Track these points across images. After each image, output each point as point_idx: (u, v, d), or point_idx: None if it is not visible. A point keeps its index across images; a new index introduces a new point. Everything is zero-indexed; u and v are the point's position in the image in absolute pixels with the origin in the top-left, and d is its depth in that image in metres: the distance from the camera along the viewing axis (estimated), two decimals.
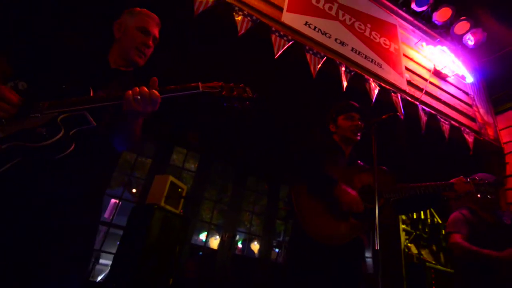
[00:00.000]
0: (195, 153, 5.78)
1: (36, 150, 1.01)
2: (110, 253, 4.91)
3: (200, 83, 1.19)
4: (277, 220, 6.50)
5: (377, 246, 1.51)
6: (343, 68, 2.94)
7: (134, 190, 7.79)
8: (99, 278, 7.82)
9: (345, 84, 2.86)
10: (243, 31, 2.46)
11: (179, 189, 4.21)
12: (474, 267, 2.28)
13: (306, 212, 1.82)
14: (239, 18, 2.50)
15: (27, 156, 1.02)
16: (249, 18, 2.56)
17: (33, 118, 1.06)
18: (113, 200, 8.86)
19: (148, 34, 1.42)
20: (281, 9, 2.86)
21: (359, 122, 2.07)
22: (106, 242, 5.18)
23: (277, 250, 7.39)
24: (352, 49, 3.20)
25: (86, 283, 3.75)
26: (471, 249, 2.23)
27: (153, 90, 1.12)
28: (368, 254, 2.13)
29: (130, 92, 1.09)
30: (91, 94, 1.15)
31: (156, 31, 1.46)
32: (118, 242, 3.82)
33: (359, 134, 2.08)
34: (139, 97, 1.09)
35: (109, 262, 4.11)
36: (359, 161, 2.15)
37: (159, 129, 4.99)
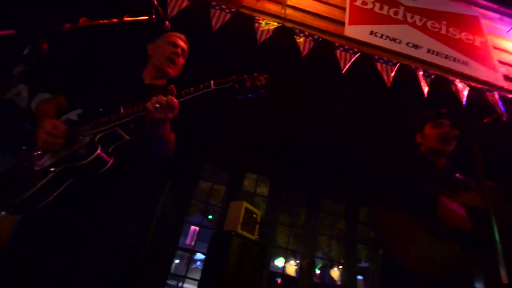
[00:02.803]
0: (265, 177, 5.82)
1: (80, 168, 1.12)
2: (194, 279, 5.12)
3: (212, 81, 1.19)
4: (358, 244, 5.97)
5: (505, 279, 1.20)
6: (421, 73, 2.66)
7: (210, 217, 8.17)
8: None
9: (425, 89, 2.56)
10: (306, 51, 2.44)
11: (254, 215, 4.22)
12: None
13: (396, 237, 1.57)
14: (301, 40, 2.51)
15: (76, 176, 1.16)
16: (310, 38, 2.54)
17: (78, 141, 1.21)
18: (192, 227, 9.45)
19: (176, 46, 1.62)
20: (342, 24, 2.77)
21: (449, 129, 1.78)
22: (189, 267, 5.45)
23: (360, 277, 6.73)
24: (428, 50, 2.89)
25: None
26: None
27: (170, 96, 1.17)
28: (479, 286, 1.73)
29: (149, 103, 1.17)
30: (122, 111, 1.25)
31: (183, 45, 1.66)
32: (196, 266, 3.94)
33: (451, 143, 1.78)
34: (157, 105, 1.15)
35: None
36: (457, 175, 1.82)
37: (230, 157, 5.19)
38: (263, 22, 2.50)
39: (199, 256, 4.86)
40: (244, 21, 2.49)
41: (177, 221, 4.75)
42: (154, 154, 1.42)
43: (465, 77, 2.81)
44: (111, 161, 1.17)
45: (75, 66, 3.67)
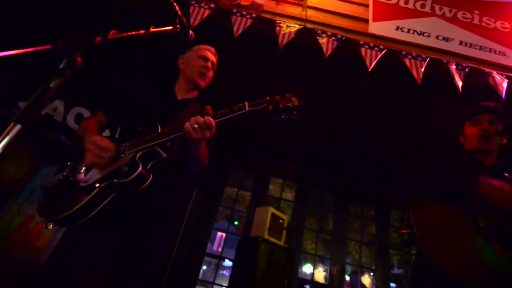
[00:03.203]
0: (291, 182, 5.74)
1: (124, 185, 1.19)
2: (221, 285, 5.12)
3: (246, 102, 1.22)
4: (390, 249, 5.71)
5: None
6: (453, 66, 2.51)
7: (236, 223, 8.18)
8: None
9: (459, 83, 2.41)
10: (329, 52, 2.39)
11: (280, 220, 4.16)
12: None
13: (434, 238, 1.42)
14: (324, 40, 2.46)
15: (120, 191, 1.22)
16: (333, 38, 2.49)
17: (121, 159, 1.27)
18: (219, 233, 9.51)
19: (207, 60, 1.68)
20: (366, 21, 2.70)
21: (487, 125, 1.63)
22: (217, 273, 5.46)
23: (393, 285, 6.42)
24: (461, 42, 2.73)
25: None
26: None
27: (207, 117, 1.20)
28: None
29: (188, 123, 1.20)
30: (159, 130, 1.32)
31: (213, 59, 1.72)
32: (223, 273, 3.94)
33: (493, 139, 1.62)
34: (196, 125, 1.19)
35: None
36: (506, 174, 1.66)
37: (255, 162, 5.18)
38: (284, 25, 2.49)
39: (228, 263, 4.86)
40: (266, 26, 2.48)
41: (204, 227, 4.79)
42: (190, 170, 1.47)
43: (503, 68, 2.63)
44: (150, 178, 1.23)
45: (109, 81, 3.85)
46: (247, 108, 1.21)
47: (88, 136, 1.33)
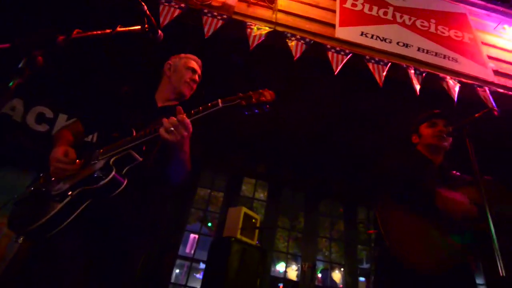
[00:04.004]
0: (263, 181, 5.81)
1: (97, 190, 1.17)
2: None
3: (219, 99, 1.23)
4: (358, 245, 5.97)
5: (502, 272, 1.22)
6: (412, 71, 2.70)
7: (209, 224, 8.11)
8: None
9: (417, 87, 2.60)
10: (298, 55, 2.47)
11: (253, 220, 4.20)
12: None
13: (397, 234, 1.57)
14: (293, 43, 2.53)
15: (94, 197, 1.20)
16: (302, 41, 2.57)
17: (94, 165, 1.26)
18: (192, 235, 9.36)
19: (195, 72, 1.70)
20: (333, 26, 2.81)
21: (444, 128, 1.82)
22: (189, 276, 5.38)
23: (362, 279, 6.71)
24: (419, 49, 2.94)
25: None
26: None
27: (180, 115, 1.19)
28: (479, 281, 1.73)
29: (162, 128, 1.18)
30: (134, 134, 1.29)
31: (199, 71, 1.74)
32: (199, 276, 3.92)
33: (446, 139, 1.82)
34: (172, 128, 1.17)
35: None
36: (454, 172, 1.85)
37: (227, 163, 5.19)
38: (255, 27, 2.53)
39: (203, 266, 4.82)
40: (236, 27, 2.51)
41: (176, 229, 4.72)
42: (173, 177, 1.44)
43: (456, 74, 2.86)
44: (125, 182, 1.21)
45: (78, 83, 3.67)
46: (220, 105, 1.22)
47: (54, 147, 1.29)
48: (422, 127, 1.93)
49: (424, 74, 2.71)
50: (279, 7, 2.74)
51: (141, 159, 1.27)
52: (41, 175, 1.37)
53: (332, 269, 7.73)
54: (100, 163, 1.24)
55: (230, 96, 1.25)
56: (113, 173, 1.17)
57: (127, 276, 1.31)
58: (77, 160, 1.29)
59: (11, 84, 0.68)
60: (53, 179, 1.28)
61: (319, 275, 9.91)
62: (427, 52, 2.96)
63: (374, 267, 6.11)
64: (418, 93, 2.56)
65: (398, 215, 1.62)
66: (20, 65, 0.71)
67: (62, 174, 1.24)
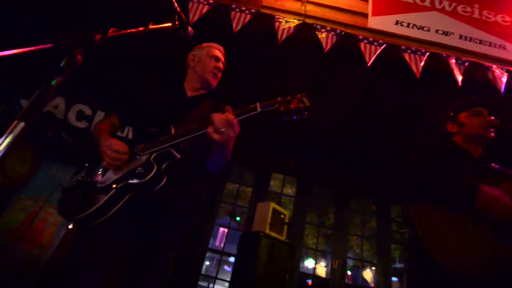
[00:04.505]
0: (291, 177, 5.77)
1: (140, 186, 1.22)
2: (224, 280, 5.17)
3: (258, 103, 1.22)
4: (391, 244, 5.74)
5: None
6: (453, 60, 2.51)
7: (238, 218, 8.24)
8: None
9: (459, 78, 2.41)
10: (329, 47, 2.39)
11: (282, 215, 4.19)
12: None
13: (436, 235, 1.46)
14: (323, 35, 2.46)
15: (135, 191, 1.25)
16: (332, 33, 2.48)
17: (136, 160, 1.29)
18: (221, 229, 9.57)
19: (219, 60, 1.70)
20: (365, 15, 2.69)
21: (491, 117, 1.67)
22: (219, 268, 5.51)
23: (395, 279, 6.46)
24: (461, 36, 2.72)
25: None
26: None
27: (231, 117, 1.19)
28: None
29: (211, 128, 1.19)
30: (172, 131, 1.33)
31: (223, 58, 1.74)
32: (228, 268, 3.99)
33: (492, 130, 1.67)
34: (223, 129, 1.17)
35: None
36: (493, 165, 1.69)
37: (255, 158, 5.20)
38: (283, 21, 2.49)
39: (232, 259, 4.91)
40: (265, 21, 2.48)
41: (206, 223, 4.83)
42: (211, 168, 1.48)
43: (503, 62, 2.62)
44: (165, 179, 1.25)
45: (114, 80, 3.86)
46: (258, 109, 1.21)
47: (103, 139, 1.35)
48: (462, 116, 1.76)
49: (467, 64, 2.51)
50: None
51: (179, 156, 1.29)
52: (86, 165, 1.44)
53: (363, 267, 7.53)
54: (142, 159, 1.28)
55: (268, 98, 1.24)
56: (155, 169, 1.21)
57: (161, 267, 1.36)
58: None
59: (53, 82, 0.72)
60: (99, 172, 1.35)
61: (349, 273, 9.69)
62: (470, 39, 2.74)
63: (407, 267, 5.86)
64: (460, 84, 2.38)
65: (436, 213, 1.51)
66: (61, 64, 0.75)
67: (117, 164, 1.29)
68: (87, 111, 4.22)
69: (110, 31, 0.93)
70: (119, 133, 1.73)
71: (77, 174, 1.44)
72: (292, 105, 1.20)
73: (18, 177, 3.85)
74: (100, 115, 4.22)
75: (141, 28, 1.09)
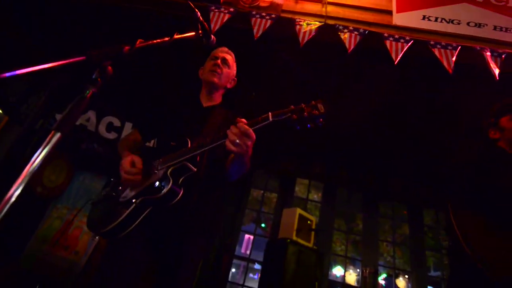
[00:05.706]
0: (317, 182, 5.64)
1: (158, 200, 1.25)
2: (251, 287, 5.12)
3: (270, 113, 1.19)
4: (426, 251, 5.43)
5: None
6: (488, 53, 2.36)
7: (263, 225, 8.19)
8: None
9: (496, 71, 2.26)
10: (352, 47, 2.33)
11: (308, 221, 4.10)
12: None
13: (481, 242, 1.36)
14: (346, 35, 2.40)
15: (154, 205, 1.28)
16: (356, 32, 2.42)
17: (154, 175, 1.32)
18: (247, 236, 9.54)
19: (216, 58, 1.71)
20: (390, 12, 2.61)
21: None
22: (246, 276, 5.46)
23: None
24: (495, 27, 2.56)
25: None
26: None
27: (244, 127, 1.16)
28: None
29: (227, 141, 1.18)
30: (189, 145, 1.34)
31: (224, 55, 1.73)
32: (252, 275, 3.93)
33: None
34: (238, 140, 1.16)
35: None
36: None
37: (279, 164, 5.15)
38: (304, 23, 2.46)
39: (258, 266, 4.87)
40: (286, 25, 2.47)
41: (232, 230, 4.83)
42: (232, 177, 1.49)
43: None
44: (181, 192, 1.27)
45: (137, 92, 4.00)
46: (270, 119, 1.19)
47: (123, 156, 1.41)
48: (503, 120, 1.65)
49: (503, 56, 2.35)
50: (329, 0, 2.64)
51: (195, 169, 1.31)
52: (111, 179, 1.50)
53: (396, 276, 7.17)
54: (160, 173, 1.31)
55: (280, 103, 1.23)
56: (170, 184, 1.24)
57: (187, 278, 1.36)
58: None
59: (86, 93, 0.74)
60: (121, 187, 1.40)
61: (382, 281, 9.27)
62: (506, 30, 2.57)
63: (443, 275, 5.50)
64: (497, 78, 2.23)
65: (480, 220, 1.41)
66: (93, 76, 0.78)
67: (130, 182, 1.35)
68: (116, 122, 4.40)
69: (137, 42, 0.95)
70: (147, 143, 1.77)
71: (105, 188, 1.50)
72: (305, 113, 1.15)
73: (54, 187, 4.07)
74: (128, 125, 4.39)
75: (166, 38, 1.11)
